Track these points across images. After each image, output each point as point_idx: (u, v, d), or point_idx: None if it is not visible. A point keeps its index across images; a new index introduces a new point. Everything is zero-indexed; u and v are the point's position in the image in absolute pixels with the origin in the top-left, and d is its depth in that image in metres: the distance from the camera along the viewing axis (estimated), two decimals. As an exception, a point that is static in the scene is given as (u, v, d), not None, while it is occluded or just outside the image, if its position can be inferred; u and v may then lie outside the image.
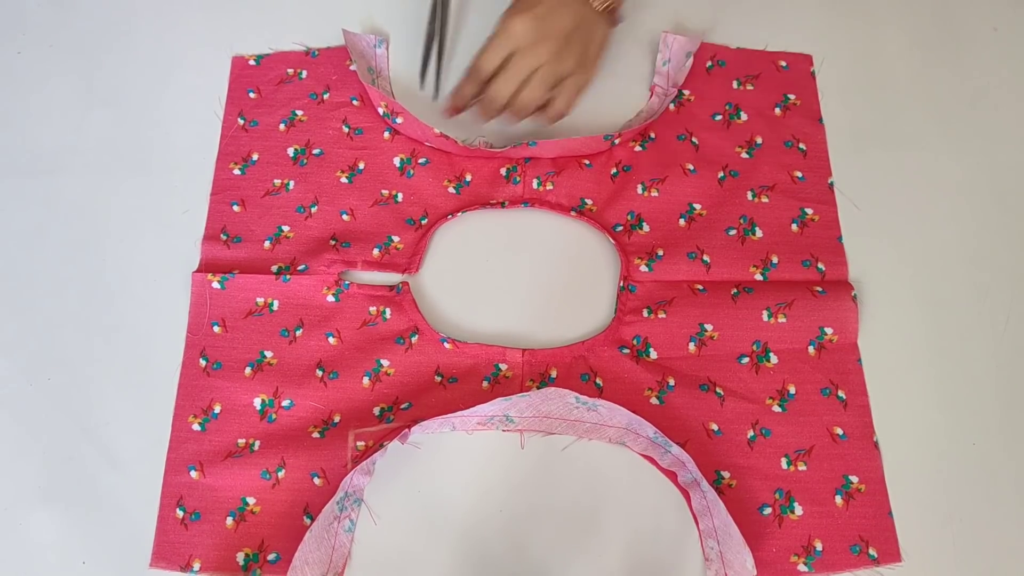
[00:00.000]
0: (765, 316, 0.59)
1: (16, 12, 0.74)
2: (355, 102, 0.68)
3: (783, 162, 0.66)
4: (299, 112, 0.68)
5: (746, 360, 0.59)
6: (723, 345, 0.59)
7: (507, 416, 0.56)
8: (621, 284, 0.61)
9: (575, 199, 0.64)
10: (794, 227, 0.63)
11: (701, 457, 0.55)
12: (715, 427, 0.57)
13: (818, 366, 0.59)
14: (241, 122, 0.68)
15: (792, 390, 0.58)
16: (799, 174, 0.65)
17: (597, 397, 0.55)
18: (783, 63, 0.70)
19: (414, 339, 0.60)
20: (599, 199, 0.64)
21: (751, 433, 0.57)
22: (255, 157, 0.66)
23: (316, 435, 0.57)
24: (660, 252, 0.62)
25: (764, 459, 0.56)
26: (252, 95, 0.69)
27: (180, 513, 0.55)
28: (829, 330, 0.59)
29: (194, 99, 0.69)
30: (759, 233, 0.63)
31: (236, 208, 0.64)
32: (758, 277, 0.62)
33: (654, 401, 0.58)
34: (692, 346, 0.59)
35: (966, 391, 0.59)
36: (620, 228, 0.63)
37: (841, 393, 0.58)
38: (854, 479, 0.56)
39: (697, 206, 0.64)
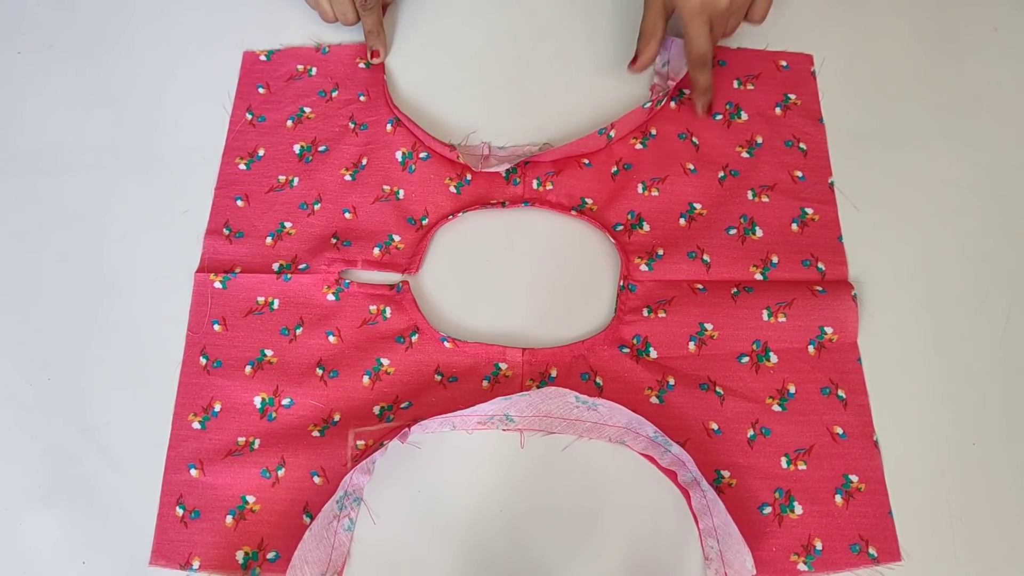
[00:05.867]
0: (765, 315, 0.59)
1: (16, 12, 0.74)
2: (362, 98, 0.68)
3: (783, 162, 0.66)
4: (307, 109, 0.68)
5: (746, 359, 0.59)
6: (723, 344, 0.59)
7: (507, 415, 0.56)
8: (621, 283, 0.61)
9: (575, 199, 0.64)
10: (794, 227, 0.63)
11: (701, 456, 0.55)
12: (715, 426, 0.57)
13: (818, 365, 0.59)
14: (249, 117, 0.68)
15: (792, 389, 0.58)
16: (799, 174, 0.65)
17: (597, 396, 0.55)
18: (783, 63, 0.70)
19: (414, 338, 0.60)
20: (599, 198, 0.64)
21: (751, 432, 0.57)
22: (261, 152, 0.66)
23: (316, 434, 0.57)
24: (660, 251, 0.62)
25: (764, 458, 0.56)
26: (261, 90, 0.69)
27: (180, 511, 0.55)
28: (829, 329, 0.59)
29: (196, 97, 0.70)
30: (759, 232, 0.63)
31: (240, 203, 0.64)
32: (758, 277, 0.62)
33: (654, 400, 0.58)
34: (692, 345, 0.59)
35: (966, 391, 0.59)
36: (620, 227, 0.63)
37: (841, 392, 0.58)
38: (854, 478, 0.56)
39: (697, 205, 0.64)
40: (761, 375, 0.58)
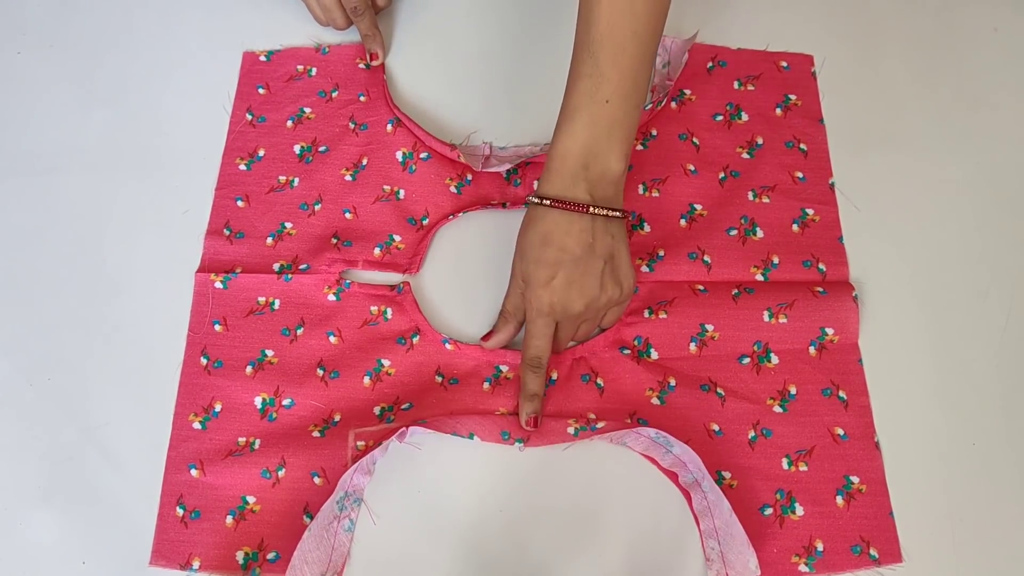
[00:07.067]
0: (766, 316, 0.59)
1: (17, 12, 0.74)
2: (362, 98, 0.68)
3: (784, 162, 0.66)
4: (307, 109, 0.68)
5: (747, 360, 0.59)
6: (724, 345, 0.59)
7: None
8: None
9: None
10: (795, 227, 0.63)
11: (702, 457, 0.55)
12: (716, 427, 0.57)
13: (819, 366, 0.58)
14: (249, 117, 0.68)
15: (793, 390, 0.58)
16: (800, 174, 0.65)
17: (598, 396, 0.55)
18: (784, 63, 0.70)
19: (415, 339, 0.60)
20: None
21: (752, 433, 0.57)
22: (261, 153, 0.66)
23: (316, 434, 0.57)
24: (661, 252, 0.62)
25: (765, 459, 0.56)
26: (261, 91, 0.69)
27: (180, 511, 0.55)
28: (830, 330, 0.59)
29: (197, 98, 0.69)
30: (760, 233, 0.63)
31: (240, 203, 0.64)
32: (759, 277, 0.62)
33: (655, 401, 0.58)
34: (693, 346, 0.59)
35: (967, 391, 0.59)
36: None
37: (842, 393, 0.58)
38: (855, 479, 0.55)
39: (698, 206, 0.64)
40: (762, 376, 0.58)
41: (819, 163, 0.66)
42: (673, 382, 0.58)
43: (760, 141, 0.66)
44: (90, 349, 0.60)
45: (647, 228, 0.63)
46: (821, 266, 0.62)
